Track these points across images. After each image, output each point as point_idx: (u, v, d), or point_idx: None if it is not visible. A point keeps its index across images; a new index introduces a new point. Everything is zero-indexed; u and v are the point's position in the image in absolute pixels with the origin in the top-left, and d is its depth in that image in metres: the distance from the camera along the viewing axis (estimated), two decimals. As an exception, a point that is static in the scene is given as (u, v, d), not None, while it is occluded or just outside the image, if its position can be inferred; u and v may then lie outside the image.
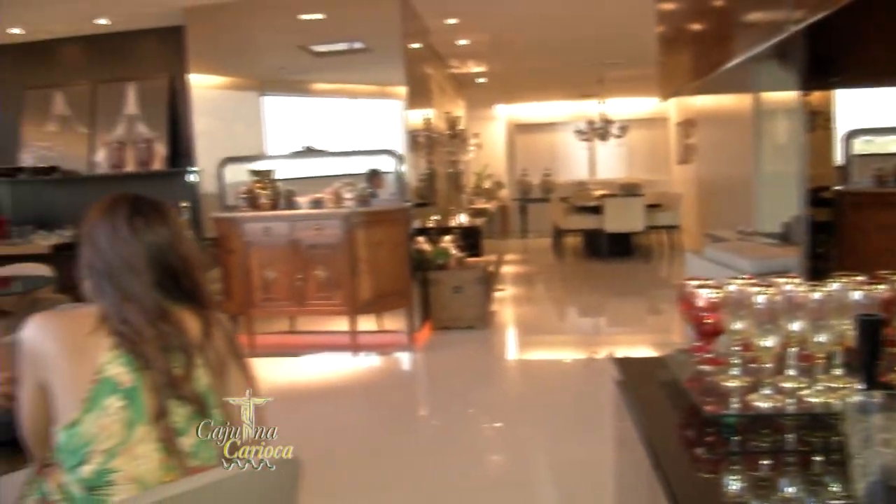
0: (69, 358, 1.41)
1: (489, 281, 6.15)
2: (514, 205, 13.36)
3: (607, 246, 9.47)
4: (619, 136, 11.76)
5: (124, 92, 6.42)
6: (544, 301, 7.88)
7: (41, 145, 6.58)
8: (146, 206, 1.53)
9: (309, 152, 5.69)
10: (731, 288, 1.39)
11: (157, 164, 6.20)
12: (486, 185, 11.48)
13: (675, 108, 11.82)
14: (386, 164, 5.48)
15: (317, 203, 5.30)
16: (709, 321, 1.50)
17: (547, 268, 9.79)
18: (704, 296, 1.50)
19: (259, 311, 5.29)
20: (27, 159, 6.54)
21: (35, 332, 1.44)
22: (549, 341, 5.99)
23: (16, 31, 6.34)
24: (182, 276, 1.53)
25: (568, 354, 5.44)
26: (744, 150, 6.89)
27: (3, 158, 6.55)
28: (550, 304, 7.73)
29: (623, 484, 1.71)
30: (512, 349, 5.79)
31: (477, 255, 6.80)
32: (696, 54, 2.55)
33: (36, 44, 6.65)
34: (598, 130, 11.66)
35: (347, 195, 5.20)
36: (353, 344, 5.19)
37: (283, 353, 5.27)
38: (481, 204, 9.66)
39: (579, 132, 12.02)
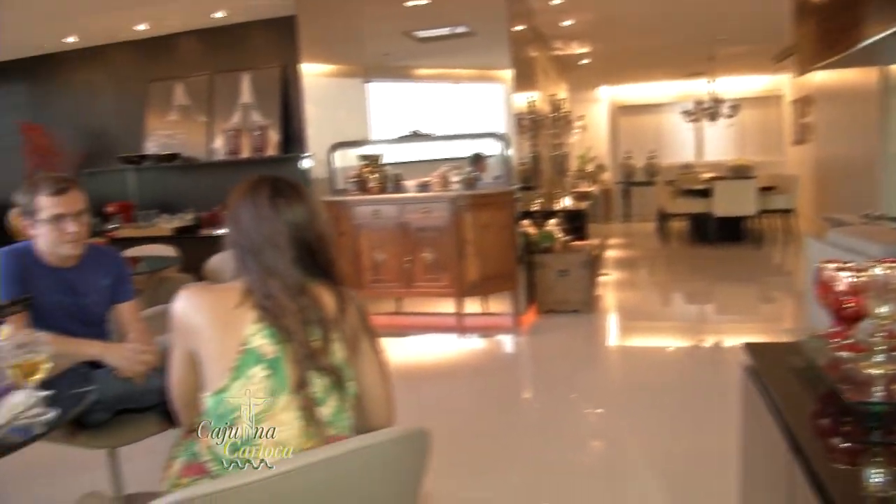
0: (217, 329, 1.49)
1: (594, 265, 6.08)
2: (616, 188, 13.10)
3: (716, 230, 9.14)
4: (730, 116, 11.28)
5: (239, 81, 6.70)
6: (649, 286, 7.71)
7: (164, 134, 6.96)
8: (286, 186, 1.60)
9: (416, 136, 5.76)
10: (877, 271, 1.33)
11: (271, 150, 6.44)
12: (589, 168, 11.29)
13: (789, 85, 11.25)
14: (490, 148, 5.49)
15: (424, 186, 5.38)
16: (849, 305, 1.44)
17: (651, 252, 9.56)
18: (845, 279, 1.44)
19: (368, 292, 5.42)
20: (151, 147, 6.93)
21: (185, 305, 1.54)
22: (655, 327, 5.86)
23: (141, 27, 6.72)
24: (318, 253, 1.59)
25: (673, 342, 5.29)
26: (868, 129, 6.50)
27: (130, 147, 6.97)
28: (655, 289, 7.56)
29: (752, 471, 1.67)
30: (617, 334, 5.71)
31: (582, 238, 6.72)
32: (832, 29, 2.43)
33: (159, 38, 7.03)
34: (708, 110, 11.22)
35: (454, 178, 5.25)
36: (459, 326, 5.26)
37: (391, 333, 5.38)
38: (585, 187, 9.52)
39: (687, 113, 11.63)
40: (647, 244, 10.14)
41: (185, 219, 6.73)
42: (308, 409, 1.48)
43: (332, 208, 5.53)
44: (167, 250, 5.14)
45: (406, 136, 5.79)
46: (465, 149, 5.60)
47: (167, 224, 6.64)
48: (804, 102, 9.87)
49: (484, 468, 3.19)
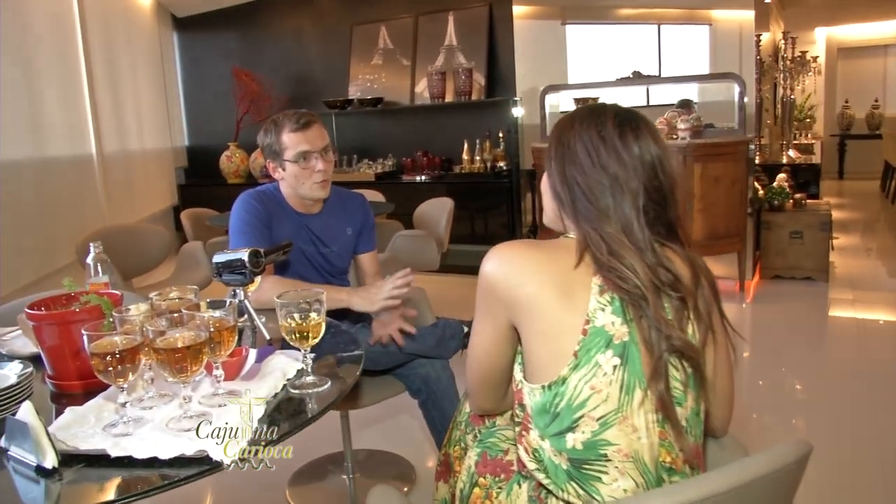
0: (553, 300, 1.17)
1: (830, 227, 5.38)
2: (830, 141, 11.77)
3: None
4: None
5: (443, 23, 6.49)
6: (881, 253, 6.79)
7: (367, 78, 6.92)
8: (633, 116, 1.27)
9: (637, 78, 5.30)
10: None
11: (475, 95, 6.20)
12: (806, 118, 10.18)
13: None
14: (713, 93, 4.95)
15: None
16: None
17: (876, 214, 8.49)
18: None
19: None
20: (355, 92, 6.92)
21: (506, 268, 1.21)
22: (890, 301, 5.09)
23: (348, -32, 6.67)
24: (668, 205, 1.24)
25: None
26: None
27: (334, 91, 7.01)
28: (889, 257, 6.64)
29: None
30: (859, 308, 5.00)
31: (815, 196, 5.97)
32: None
33: (364, -19, 6.96)
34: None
35: (681, 126, 4.77)
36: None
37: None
38: (806, 139, 8.56)
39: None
40: (869, 205, 9.05)
41: (386, 164, 6.69)
42: (667, 409, 1.16)
43: (540, 155, 5.24)
44: (376, 196, 5.06)
45: (626, 78, 5.33)
46: (674, 94, 5.11)
47: (370, 169, 6.62)
48: None
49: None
